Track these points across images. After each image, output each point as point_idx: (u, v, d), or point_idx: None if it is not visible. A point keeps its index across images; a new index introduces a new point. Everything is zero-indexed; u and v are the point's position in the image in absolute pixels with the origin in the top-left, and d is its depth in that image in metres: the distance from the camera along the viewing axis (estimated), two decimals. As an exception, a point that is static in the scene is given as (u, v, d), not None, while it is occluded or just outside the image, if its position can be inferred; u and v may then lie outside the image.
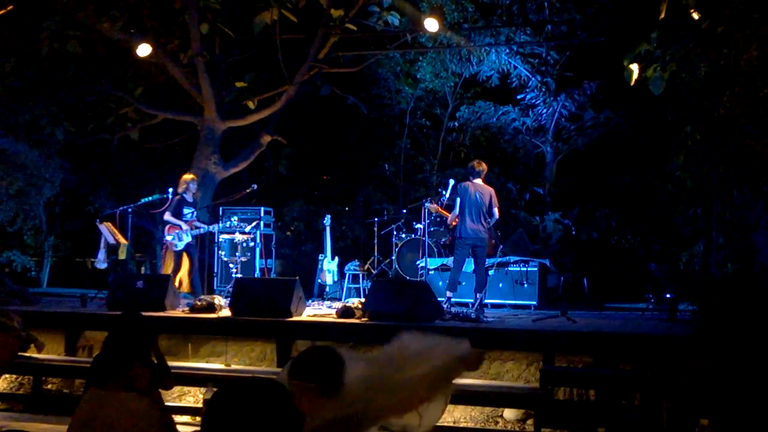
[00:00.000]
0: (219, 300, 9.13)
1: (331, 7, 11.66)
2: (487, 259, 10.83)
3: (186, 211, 10.46)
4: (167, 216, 10.41)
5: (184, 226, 10.34)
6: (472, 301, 10.78)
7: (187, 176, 10.77)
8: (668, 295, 9.62)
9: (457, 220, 9.84)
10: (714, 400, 5.96)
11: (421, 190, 15.81)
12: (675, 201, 12.40)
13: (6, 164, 13.08)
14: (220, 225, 10.69)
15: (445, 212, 10.89)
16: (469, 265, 11.04)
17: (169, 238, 10.40)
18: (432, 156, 16.66)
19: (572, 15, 14.42)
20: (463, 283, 10.97)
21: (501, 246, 11.01)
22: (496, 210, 9.85)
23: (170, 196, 10.68)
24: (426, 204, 10.91)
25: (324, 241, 12.30)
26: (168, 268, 11.79)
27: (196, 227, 10.48)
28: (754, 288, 7.74)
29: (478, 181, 9.85)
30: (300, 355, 3.04)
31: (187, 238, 10.38)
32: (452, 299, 9.86)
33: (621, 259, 13.76)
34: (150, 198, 10.72)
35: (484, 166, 10.02)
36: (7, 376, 8.37)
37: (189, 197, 10.57)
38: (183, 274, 11.88)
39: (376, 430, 3.17)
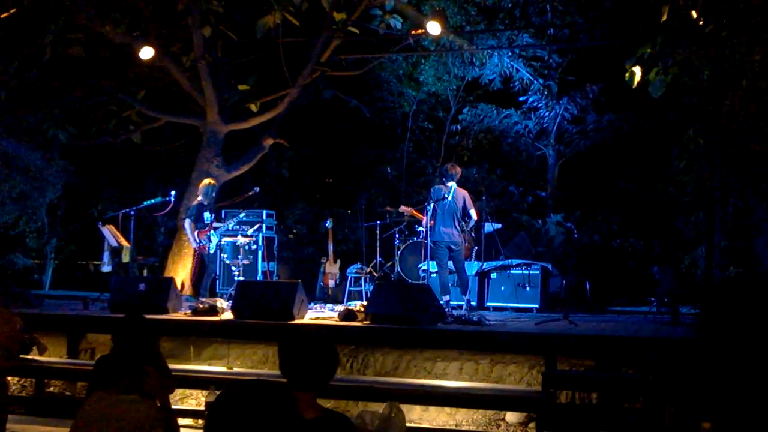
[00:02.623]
0: (221, 303, 9.14)
1: (334, 10, 11.67)
2: (477, 262, 10.88)
3: (206, 215, 10.54)
4: (187, 223, 10.47)
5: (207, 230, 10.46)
6: (473, 304, 10.80)
7: (207, 181, 10.85)
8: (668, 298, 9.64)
9: (432, 222, 9.89)
10: (716, 404, 5.95)
11: (423, 193, 15.80)
12: (677, 204, 12.39)
13: (8, 167, 13.08)
14: (222, 228, 10.71)
15: (418, 214, 10.88)
16: (472, 268, 11.07)
17: (202, 242, 10.47)
18: (434, 159, 16.66)
19: (574, 18, 14.43)
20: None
21: (476, 247, 11.00)
22: (472, 212, 9.91)
23: (172, 199, 10.69)
24: (401, 207, 11.00)
25: (326, 244, 12.30)
26: (176, 271, 11.81)
27: (215, 228, 10.56)
28: (756, 291, 7.73)
29: (452, 184, 9.91)
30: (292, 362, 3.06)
31: (215, 239, 10.48)
32: (451, 302, 9.88)
33: (623, 263, 13.74)
34: (152, 201, 10.73)
35: (458, 170, 10.12)
36: (9, 378, 8.37)
37: (206, 201, 10.63)
38: (185, 277, 11.90)
39: None
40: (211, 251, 10.58)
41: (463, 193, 10.00)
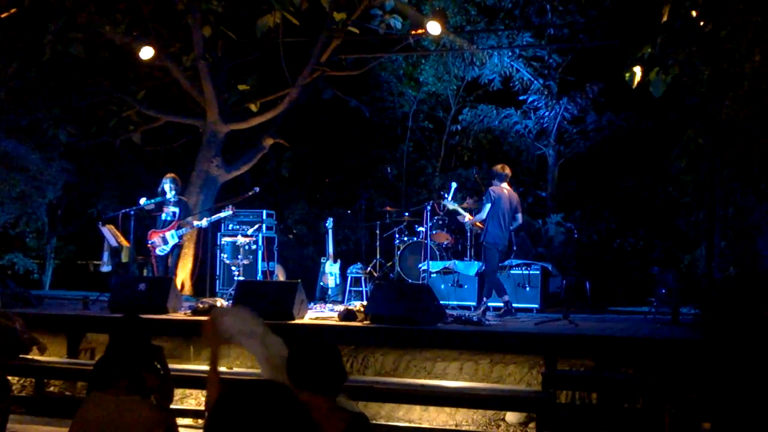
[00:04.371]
0: (221, 303, 9.14)
1: (334, 10, 11.67)
2: (477, 262, 10.84)
3: (164, 212, 10.49)
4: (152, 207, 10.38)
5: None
6: (473, 304, 10.78)
7: (169, 175, 10.72)
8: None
9: (479, 223, 9.78)
10: (716, 404, 5.95)
11: (423, 193, 15.80)
12: (677, 204, 12.39)
13: (8, 167, 13.08)
14: (212, 218, 10.67)
15: (478, 224, 10.62)
16: (472, 268, 11.06)
17: (150, 242, 10.39)
18: (434, 159, 16.66)
19: (574, 18, 14.42)
20: (466, 286, 10.98)
21: (515, 250, 10.90)
22: (519, 216, 9.85)
23: (171, 199, 10.68)
24: (446, 201, 10.86)
25: (326, 244, 12.30)
26: (175, 271, 11.78)
27: (180, 226, 10.49)
28: (756, 291, 7.72)
29: (505, 185, 9.86)
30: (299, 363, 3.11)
31: (173, 240, 10.43)
32: (488, 303, 9.81)
33: (623, 263, 13.75)
34: (152, 200, 10.72)
35: (508, 170, 10.04)
36: (9, 378, 8.37)
37: (168, 196, 10.54)
38: (185, 276, 11.90)
39: None
40: (161, 253, 10.38)
41: (516, 195, 9.98)
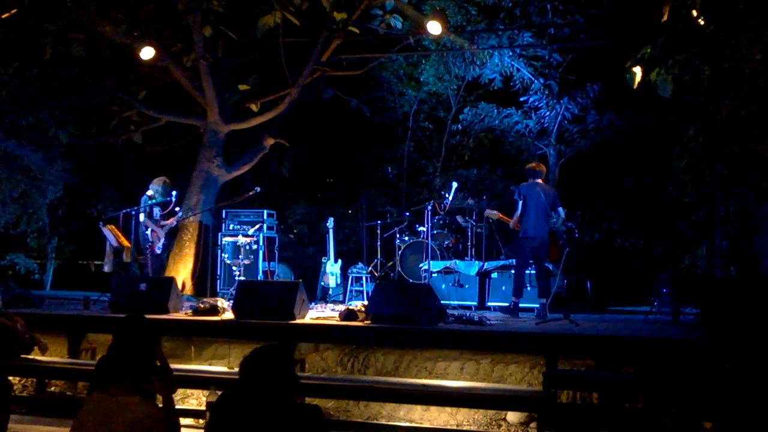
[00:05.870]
0: (222, 302, 9.14)
1: (334, 10, 11.67)
2: (478, 262, 10.80)
3: (156, 210, 10.80)
4: (142, 217, 10.55)
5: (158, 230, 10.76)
6: (474, 304, 10.80)
7: (162, 179, 11.04)
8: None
9: (518, 224, 9.78)
10: (718, 404, 5.95)
11: (424, 193, 15.80)
12: (677, 204, 12.39)
13: (9, 167, 13.09)
14: (178, 218, 11.08)
15: (506, 218, 10.63)
16: (473, 268, 11.06)
17: (152, 241, 10.62)
18: (435, 159, 16.66)
19: (575, 17, 14.41)
20: (467, 286, 10.98)
21: (568, 249, 10.80)
22: (561, 209, 9.83)
23: (173, 199, 10.71)
24: (487, 211, 10.85)
25: (327, 244, 12.31)
26: (177, 271, 11.82)
27: (162, 225, 10.84)
28: (757, 291, 7.72)
29: (540, 181, 9.88)
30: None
31: (164, 239, 10.85)
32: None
33: (624, 262, 13.74)
34: (153, 200, 10.74)
35: (542, 167, 10.11)
36: (10, 378, 8.38)
37: (157, 197, 10.78)
38: (186, 276, 11.90)
39: None
40: (159, 251, 10.79)
41: (553, 190, 10.00)
